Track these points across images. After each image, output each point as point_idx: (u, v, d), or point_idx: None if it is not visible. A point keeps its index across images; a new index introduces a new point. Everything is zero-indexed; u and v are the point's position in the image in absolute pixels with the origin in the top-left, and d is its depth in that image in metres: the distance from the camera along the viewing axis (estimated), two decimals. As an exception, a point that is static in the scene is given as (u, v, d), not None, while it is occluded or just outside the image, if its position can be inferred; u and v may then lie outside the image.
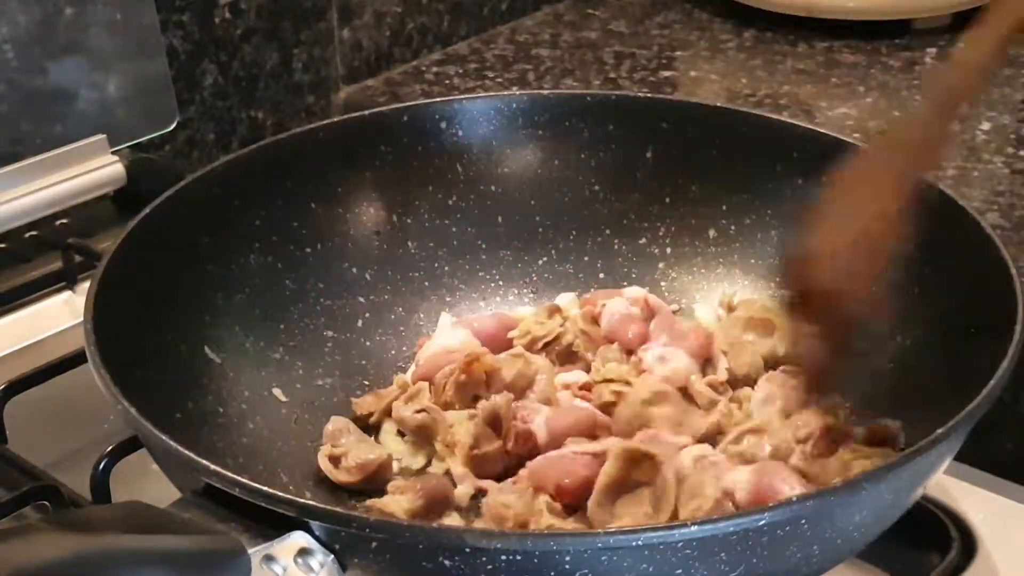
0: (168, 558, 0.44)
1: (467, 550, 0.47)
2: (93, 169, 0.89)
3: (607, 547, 0.46)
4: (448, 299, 0.79)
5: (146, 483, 0.63)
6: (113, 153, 0.91)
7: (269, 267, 0.74)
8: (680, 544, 0.46)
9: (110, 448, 0.65)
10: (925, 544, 0.63)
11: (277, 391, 0.71)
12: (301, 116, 1.08)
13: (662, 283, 0.79)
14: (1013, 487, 0.69)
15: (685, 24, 1.23)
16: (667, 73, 1.12)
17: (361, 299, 0.77)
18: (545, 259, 0.80)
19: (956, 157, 0.94)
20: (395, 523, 0.50)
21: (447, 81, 1.12)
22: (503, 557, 0.46)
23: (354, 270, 0.77)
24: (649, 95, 0.95)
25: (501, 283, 0.79)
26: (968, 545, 0.63)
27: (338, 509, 0.49)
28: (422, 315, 0.78)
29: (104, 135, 0.91)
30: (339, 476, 0.66)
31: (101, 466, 0.65)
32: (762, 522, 0.47)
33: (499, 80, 1.11)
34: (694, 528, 0.46)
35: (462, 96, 0.79)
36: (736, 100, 1.06)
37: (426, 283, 0.78)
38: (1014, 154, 0.95)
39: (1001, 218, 0.85)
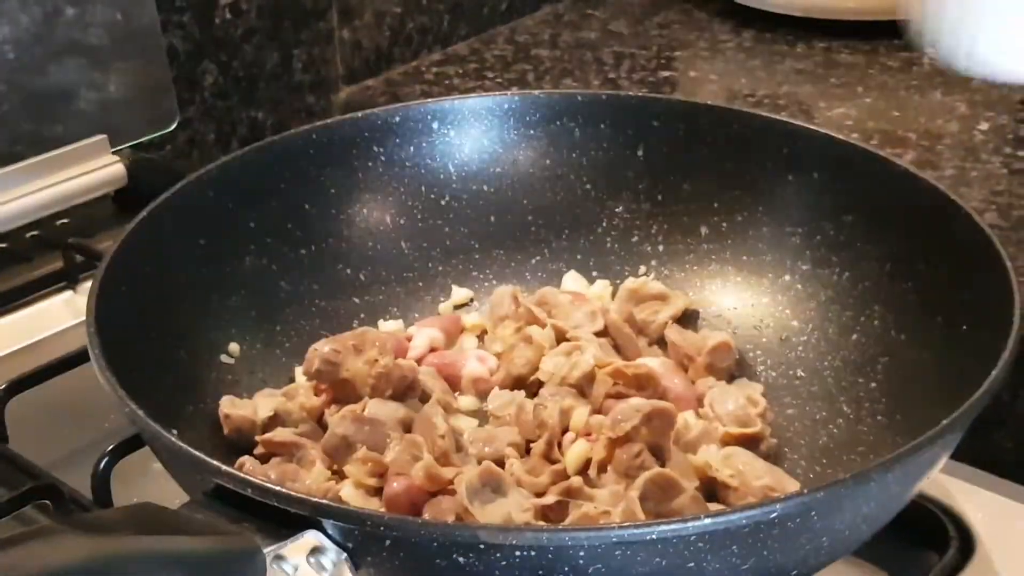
0: (183, 559, 0.45)
1: (481, 547, 0.47)
2: (94, 169, 0.90)
3: (621, 542, 0.46)
4: (442, 299, 0.79)
5: (147, 483, 0.64)
6: (114, 153, 0.91)
7: (264, 269, 0.74)
8: (693, 538, 0.47)
9: (111, 447, 0.65)
10: (923, 543, 0.63)
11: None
12: (301, 116, 1.08)
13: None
14: (1011, 486, 0.69)
15: (685, 24, 1.23)
16: (666, 73, 1.12)
17: (356, 300, 0.77)
18: (538, 258, 0.80)
19: (954, 157, 0.94)
20: (410, 521, 0.50)
21: (447, 81, 1.12)
22: (517, 553, 0.46)
23: (348, 271, 0.78)
24: (639, 94, 0.95)
25: (495, 282, 0.79)
26: (966, 544, 0.63)
27: (352, 507, 0.49)
28: (417, 315, 0.78)
29: (105, 135, 0.91)
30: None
31: (102, 466, 0.65)
32: (774, 514, 0.47)
33: (499, 80, 1.12)
34: (707, 521, 0.46)
35: (454, 96, 0.79)
36: (735, 100, 1.06)
37: (420, 283, 0.79)
38: (1012, 154, 0.95)
39: (999, 218, 0.85)
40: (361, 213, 0.78)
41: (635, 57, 1.15)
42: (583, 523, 0.57)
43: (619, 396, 0.68)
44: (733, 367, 0.72)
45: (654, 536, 0.46)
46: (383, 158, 0.78)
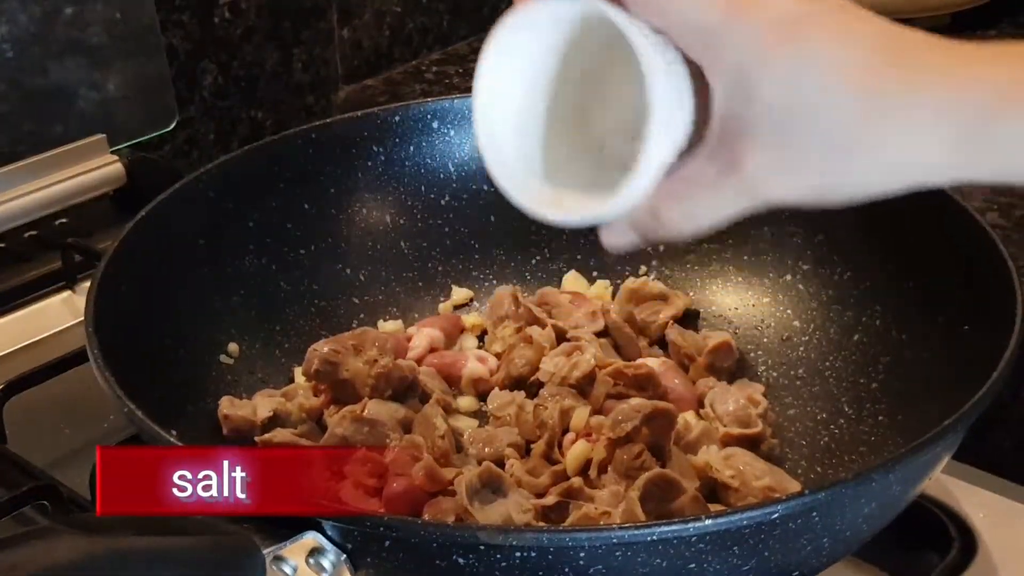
0: (183, 558, 0.45)
1: (481, 547, 0.47)
2: (93, 168, 0.90)
3: (622, 542, 0.46)
4: (442, 299, 0.79)
5: (146, 483, 0.64)
6: (113, 153, 0.91)
7: (263, 269, 0.74)
8: (694, 538, 0.47)
9: (109, 447, 0.65)
10: (925, 544, 0.63)
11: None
12: (301, 116, 1.08)
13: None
14: (1013, 487, 0.69)
15: (685, 23, 1.23)
16: (667, 72, 1.12)
17: (355, 300, 0.77)
18: (538, 258, 0.80)
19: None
20: (409, 521, 0.50)
21: (447, 81, 1.12)
22: (517, 554, 0.46)
23: (348, 271, 0.78)
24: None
25: (494, 282, 0.79)
26: (968, 545, 0.63)
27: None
28: (416, 315, 0.78)
29: (104, 135, 0.91)
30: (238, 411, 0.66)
31: (100, 466, 0.65)
32: (775, 515, 0.47)
33: (499, 79, 1.11)
34: (708, 522, 0.46)
35: (454, 96, 0.79)
36: (735, 99, 1.06)
37: (420, 283, 0.79)
38: (1013, 153, 0.94)
39: (1001, 217, 0.85)
40: (361, 213, 0.78)
41: (635, 56, 1.15)
42: (583, 524, 0.57)
43: (619, 396, 0.67)
44: (734, 367, 0.72)
45: (655, 537, 0.46)
46: (383, 157, 0.78)
